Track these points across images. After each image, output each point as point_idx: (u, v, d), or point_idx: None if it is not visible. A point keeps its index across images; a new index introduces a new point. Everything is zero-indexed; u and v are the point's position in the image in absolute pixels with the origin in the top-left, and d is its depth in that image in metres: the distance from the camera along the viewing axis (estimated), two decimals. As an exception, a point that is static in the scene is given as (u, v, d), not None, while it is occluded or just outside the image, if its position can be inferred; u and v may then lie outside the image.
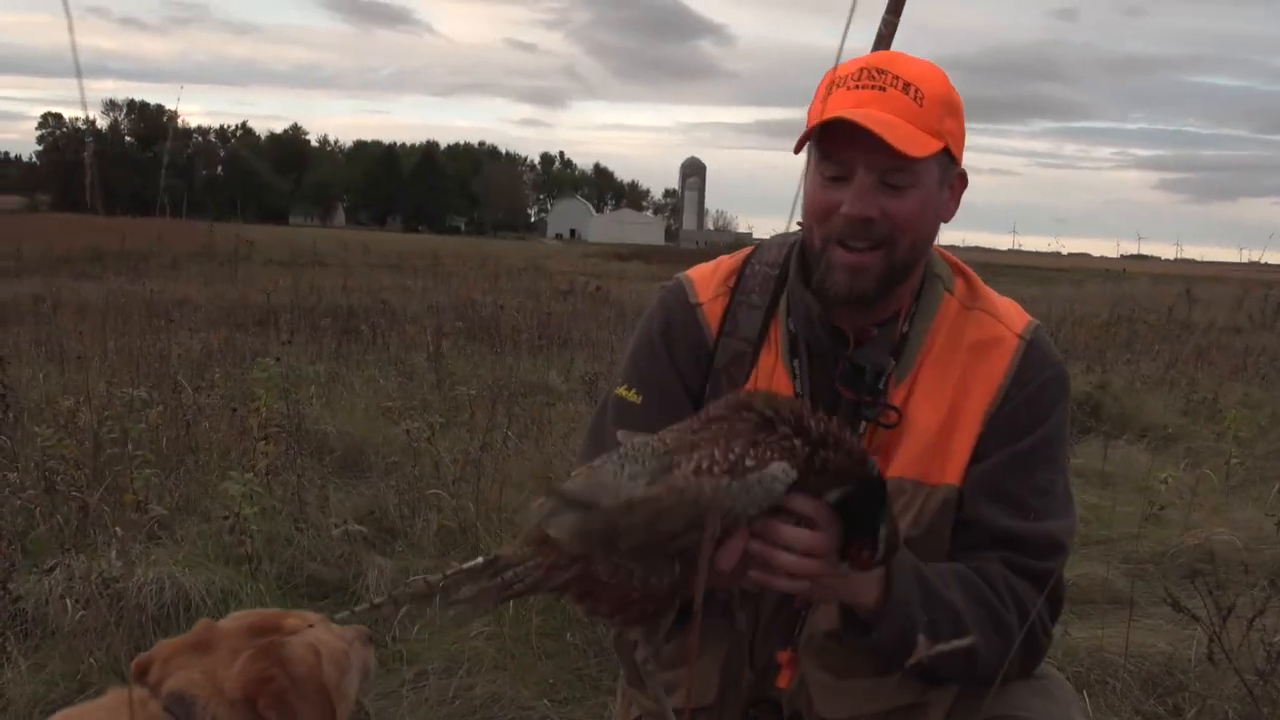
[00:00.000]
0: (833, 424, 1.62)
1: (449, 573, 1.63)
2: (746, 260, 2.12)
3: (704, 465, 1.55)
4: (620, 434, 1.71)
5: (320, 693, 1.75)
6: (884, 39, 2.49)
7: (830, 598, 1.78)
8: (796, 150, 1.88)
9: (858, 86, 1.84)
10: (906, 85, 1.82)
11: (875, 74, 1.84)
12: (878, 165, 1.80)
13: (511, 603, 4.11)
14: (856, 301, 1.90)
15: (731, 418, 1.62)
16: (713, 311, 2.07)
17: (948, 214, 1.95)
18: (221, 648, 1.76)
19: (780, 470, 1.56)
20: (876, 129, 1.75)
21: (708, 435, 1.61)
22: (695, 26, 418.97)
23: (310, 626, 1.90)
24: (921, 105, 1.81)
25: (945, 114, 1.84)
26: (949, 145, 1.85)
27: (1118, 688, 3.70)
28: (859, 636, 1.80)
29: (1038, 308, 16.38)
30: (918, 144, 1.79)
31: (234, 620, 1.87)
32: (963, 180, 1.95)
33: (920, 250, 1.92)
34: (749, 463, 1.56)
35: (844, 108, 1.81)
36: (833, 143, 1.82)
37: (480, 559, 1.63)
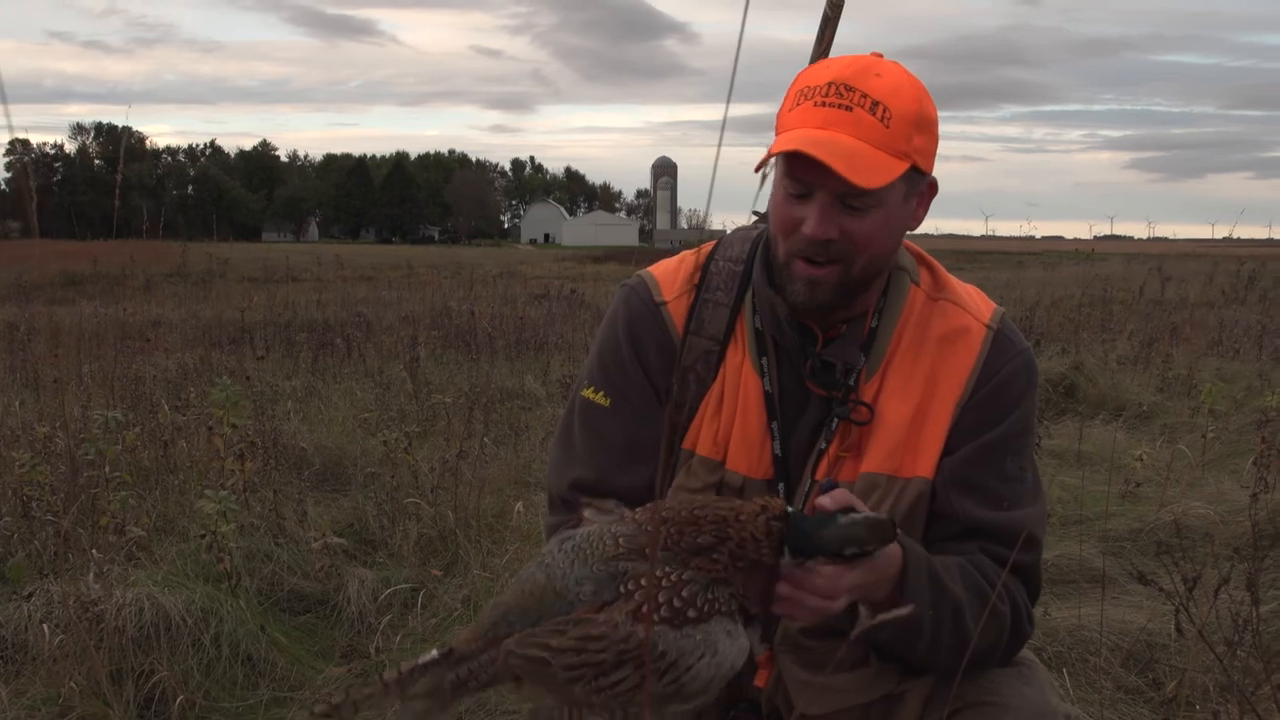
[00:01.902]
0: (747, 509, 1.65)
1: (405, 669, 1.63)
2: (710, 256, 2.10)
3: (644, 607, 1.57)
4: (586, 509, 1.75)
5: None
6: (830, 21, 2.49)
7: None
8: (757, 169, 1.84)
9: (825, 104, 1.80)
10: (874, 105, 1.78)
11: (844, 91, 1.80)
12: (839, 189, 1.79)
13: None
14: (816, 310, 1.91)
15: (675, 528, 1.64)
16: (677, 310, 2.06)
17: (915, 222, 1.94)
18: None
19: (723, 632, 1.59)
20: (835, 165, 1.73)
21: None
22: (659, 25, 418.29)
23: None
24: (889, 126, 1.78)
25: (914, 132, 1.81)
26: (917, 163, 1.82)
27: (1098, 664, 3.73)
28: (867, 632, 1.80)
29: (1011, 293, 16.49)
30: (879, 172, 1.77)
31: None
32: (932, 189, 1.93)
33: (879, 263, 1.91)
34: (691, 613, 1.57)
35: (808, 126, 1.79)
36: (795, 162, 1.80)
37: (435, 652, 1.64)
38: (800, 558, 1.63)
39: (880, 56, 1.90)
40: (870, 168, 1.76)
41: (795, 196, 1.84)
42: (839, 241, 1.83)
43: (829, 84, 1.82)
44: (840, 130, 1.78)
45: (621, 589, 1.59)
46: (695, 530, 1.63)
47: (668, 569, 1.60)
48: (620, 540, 1.64)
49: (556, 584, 1.62)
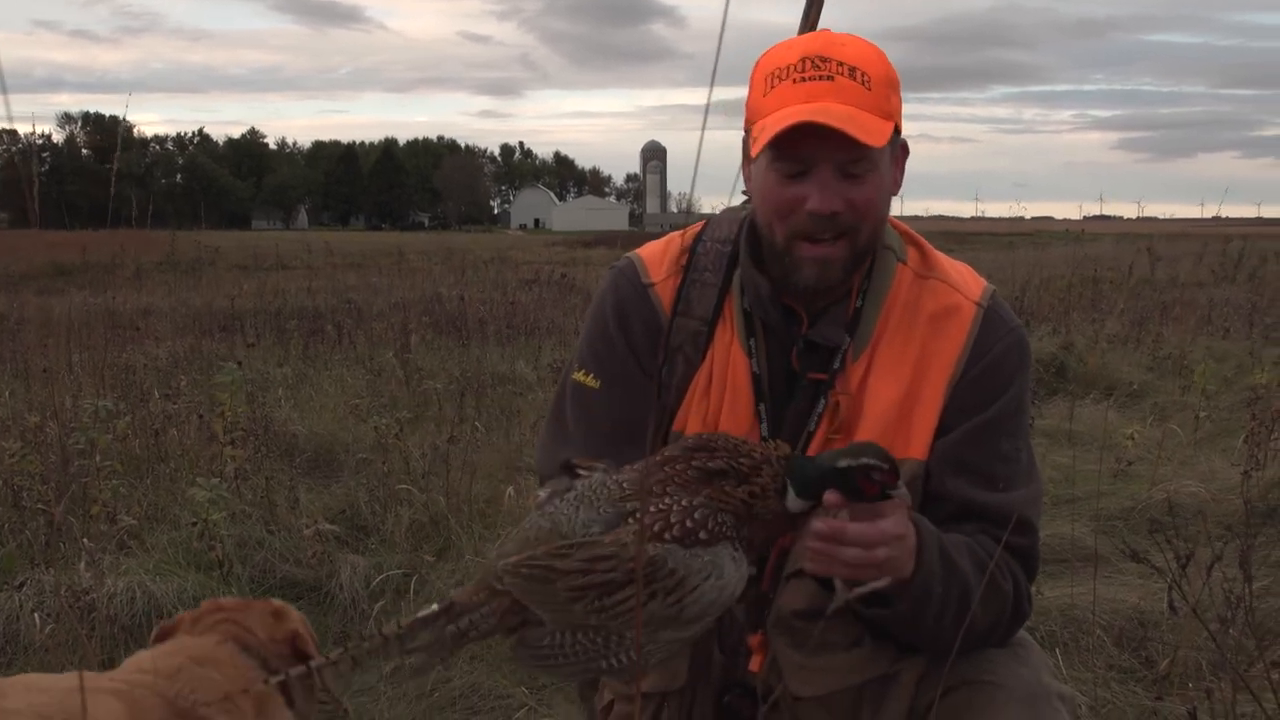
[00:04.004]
0: (758, 447, 1.68)
1: (404, 623, 1.66)
2: (698, 237, 2.10)
3: (656, 525, 1.58)
4: (580, 469, 1.75)
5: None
6: (815, 3, 2.48)
7: (874, 576, 1.72)
8: (755, 154, 1.85)
9: (804, 78, 1.82)
10: (852, 70, 1.81)
11: (819, 62, 1.82)
12: (838, 158, 1.80)
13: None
14: (826, 291, 1.92)
15: (683, 461, 1.66)
16: (665, 291, 2.06)
17: (896, 186, 1.95)
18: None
19: (728, 556, 1.60)
20: (845, 127, 1.74)
21: (661, 479, 1.64)
22: (646, 9, 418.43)
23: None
24: (870, 89, 1.80)
25: (890, 92, 1.83)
26: (897, 123, 1.85)
27: (1090, 644, 3.73)
28: (875, 608, 1.80)
29: (1002, 273, 16.47)
30: (877, 132, 1.78)
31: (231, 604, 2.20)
32: (905, 151, 1.96)
33: (879, 231, 1.93)
34: (702, 535, 1.58)
35: (796, 103, 1.80)
36: (788, 140, 1.79)
37: (435, 606, 1.66)
38: (805, 495, 1.63)
39: (829, 30, 1.93)
40: (868, 127, 1.78)
41: (790, 177, 1.85)
42: (844, 213, 1.84)
43: (801, 60, 1.84)
44: (828, 99, 1.79)
45: (630, 521, 1.60)
46: (707, 455, 1.65)
47: (679, 496, 1.61)
48: (624, 485, 1.66)
49: (563, 528, 1.63)
